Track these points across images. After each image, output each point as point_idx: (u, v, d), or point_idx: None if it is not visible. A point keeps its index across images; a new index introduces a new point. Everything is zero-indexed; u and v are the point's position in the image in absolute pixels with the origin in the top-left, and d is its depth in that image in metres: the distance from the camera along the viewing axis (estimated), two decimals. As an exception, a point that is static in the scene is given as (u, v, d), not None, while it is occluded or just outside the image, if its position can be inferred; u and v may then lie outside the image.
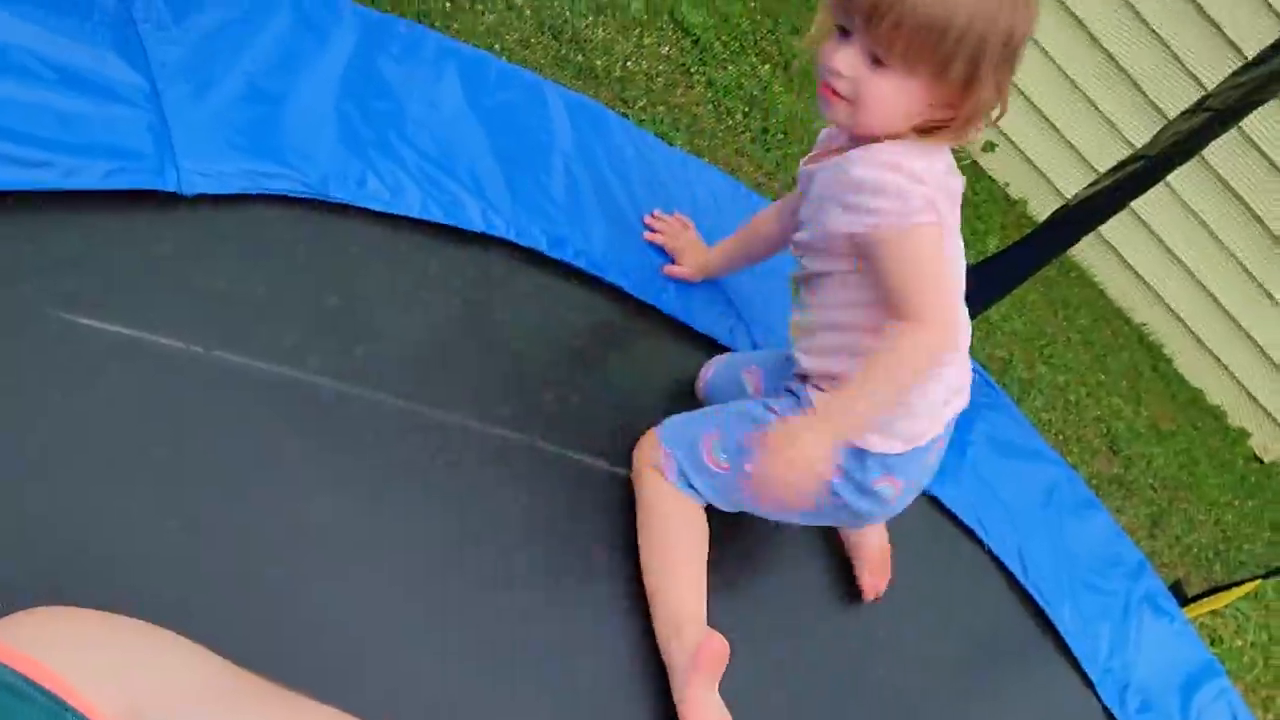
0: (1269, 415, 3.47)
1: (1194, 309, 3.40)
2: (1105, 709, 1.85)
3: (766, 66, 2.82)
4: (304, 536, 1.20)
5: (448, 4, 2.34)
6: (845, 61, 1.20)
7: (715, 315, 1.74)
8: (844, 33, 1.21)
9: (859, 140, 1.27)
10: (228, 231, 1.35)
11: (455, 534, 1.31)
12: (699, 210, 1.85)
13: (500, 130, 1.69)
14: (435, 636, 1.23)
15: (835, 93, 1.23)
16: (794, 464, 1.16)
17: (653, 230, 1.75)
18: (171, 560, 1.10)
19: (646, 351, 1.65)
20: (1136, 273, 3.39)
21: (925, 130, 1.24)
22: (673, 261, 1.73)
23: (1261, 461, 3.47)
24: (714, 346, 1.71)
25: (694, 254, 1.73)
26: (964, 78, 1.19)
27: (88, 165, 1.25)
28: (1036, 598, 1.88)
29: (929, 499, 1.82)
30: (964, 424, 1.45)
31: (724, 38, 2.77)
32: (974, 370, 1.51)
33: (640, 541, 1.41)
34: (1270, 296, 3.31)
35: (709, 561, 1.41)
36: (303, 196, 1.40)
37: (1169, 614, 2.12)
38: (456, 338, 1.47)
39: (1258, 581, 2.29)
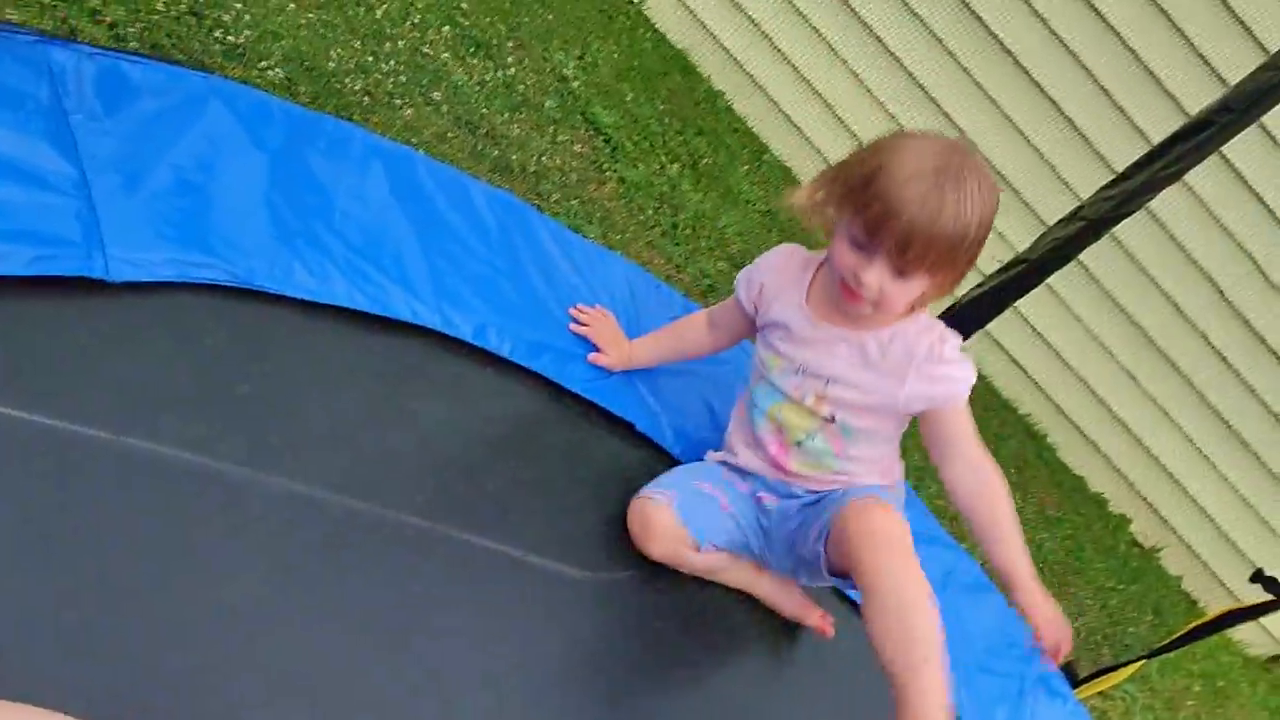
0: (1146, 503, 3.65)
1: (1073, 401, 3.58)
2: (1004, 790, 1.91)
3: (675, 166, 2.92)
4: (216, 622, 1.20)
5: (365, 98, 2.38)
6: (874, 279, 1.40)
7: (635, 404, 1.79)
8: (859, 245, 1.40)
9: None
10: (154, 319, 1.35)
11: (368, 621, 1.32)
12: (616, 301, 1.92)
13: (424, 223, 1.74)
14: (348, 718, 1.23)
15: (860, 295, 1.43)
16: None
17: (578, 322, 1.81)
18: (80, 647, 1.09)
19: (569, 439, 1.69)
20: (1021, 366, 3.56)
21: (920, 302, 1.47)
22: (596, 350, 1.79)
23: (1142, 547, 3.64)
24: (633, 434, 1.76)
25: (617, 345, 1.80)
26: (967, 266, 1.42)
27: (13, 251, 1.25)
28: (937, 681, 1.93)
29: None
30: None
31: (634, 138, 2.87)
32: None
33: (908, 612, 1.47)
34: (1144, 391, 3.51)
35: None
36: (231, 285, 1.42)
37: (1062, 695, 2.20)
38: (379, 425, 1.49)
39: (1142, 662, 2.39)
